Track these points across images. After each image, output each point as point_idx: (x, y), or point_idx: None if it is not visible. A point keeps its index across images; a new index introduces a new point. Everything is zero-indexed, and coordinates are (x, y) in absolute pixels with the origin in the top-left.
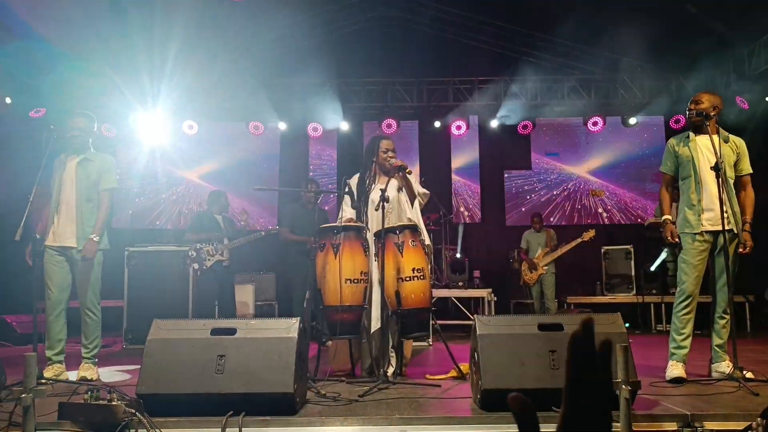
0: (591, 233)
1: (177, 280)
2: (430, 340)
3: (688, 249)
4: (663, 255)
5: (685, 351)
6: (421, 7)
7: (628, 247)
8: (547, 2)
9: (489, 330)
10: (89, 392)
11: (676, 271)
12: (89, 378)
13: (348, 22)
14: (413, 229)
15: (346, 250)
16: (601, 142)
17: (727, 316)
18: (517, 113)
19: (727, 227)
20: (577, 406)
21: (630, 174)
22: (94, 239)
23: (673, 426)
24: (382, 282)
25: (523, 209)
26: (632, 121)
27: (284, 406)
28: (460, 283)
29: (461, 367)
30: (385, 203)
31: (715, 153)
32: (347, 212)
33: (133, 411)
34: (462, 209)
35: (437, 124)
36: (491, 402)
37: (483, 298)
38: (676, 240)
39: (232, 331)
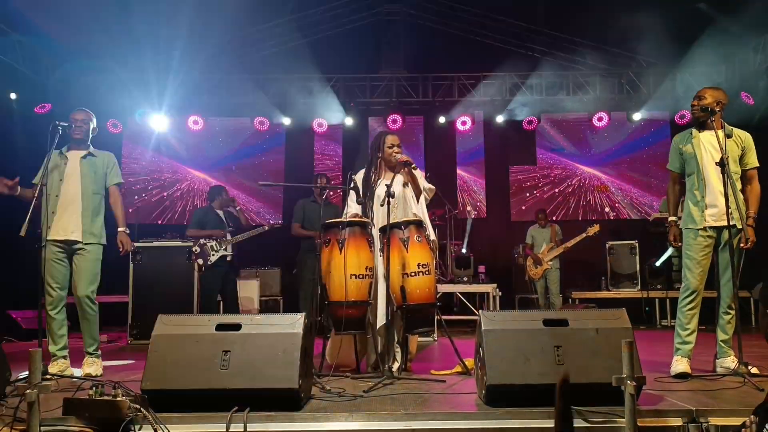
0: (596, 228)
1: (182, 276)
2: (435, 335)
3: (691, 245)
4: (669, 251)
5: (690, 346)
6: (426, 2)
7: (633, 242)
8: None
9: (494, 325)
10: (94, 388)
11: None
12: (94, 374)
13: (354, 17)
14: (418, 224)
15: (351, 246)
16: (606, 137)
17: (732, 312)
18: (523, 109)
19: (731, 223)
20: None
21: (635, 169)
22: (126, 232)
23: (678, 421)
24: (387, 277)
25: (528, 204)
26: (637, 116)
27: (289, 401)
28: (465, 279)
29: (466, 363)
30: (390, 198)
31: (720, 149)
32: (352, 208)
33: (138, 407)
34: (467, 205)
35: (442, 119)
36: (496, 397)
37: (488, 293)
38: (679, 245)
39: (237, 327)
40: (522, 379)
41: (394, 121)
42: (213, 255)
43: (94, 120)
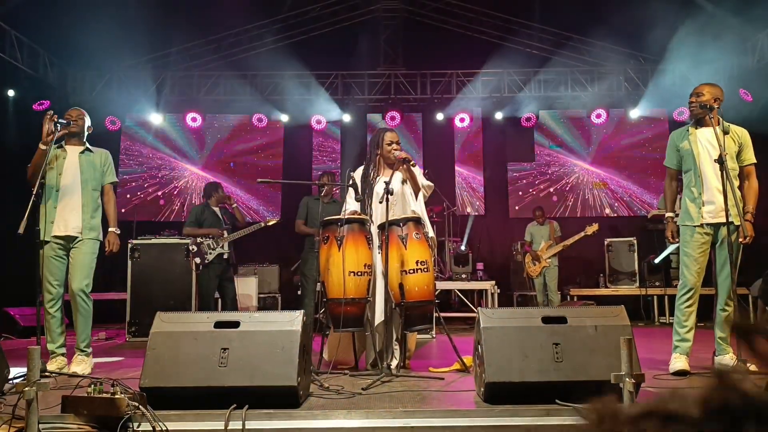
0: (594, 227)
1: (180, 273)
2: (434, 332)
3: (688, 241)
4: (670, 248)
5: (689, 344)
6: None
7: (631, 239)
8: None
9: (493, 323)
10: (92, 385)
11: None
12: (81, 372)
13: (352, 14)
14: (417, 221)
15: (349, 243)
16: (605, 134)
17: (730, 309)
18: (521, 105)
19: (729, 220)
20: None
21: (633, 166)
22: (116, 232)
23: None
24: (385, 275)
25: (527, 201)
26: (635, 113)
27: (288, 399)
28: (464, 276)
29: (465, 360)
30: (389, 195)
31: (719, 146)
32: (351, 205)
33: (137, 404)
34: (465, 201)
35: (441, 116)
36: (495, 395)
37: (486, 290)
38: (676, 241)
39: (235, 324)
40: (521, 376)
41: (393, 118)
42: (210, 253)
43: (88, 119)
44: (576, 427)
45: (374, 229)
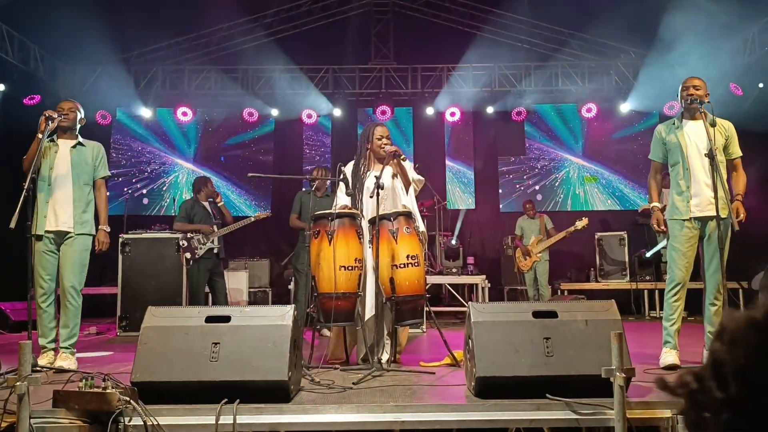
0: (584, 222)
1: (171, 267)
2: (424, 326)
3: (676, 235)
4: (662, 243)
5: (676, 332)
6: None
7: (622, 233)
8: None
9: (483, 317)
10: (84, 380)
11: None
12: (67, 368)
13: (343, 8)
14: (408, 215)
15: (340, 237)
16: (595, 128)
17: (719, 303)
18: (511, 99)
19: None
20: None
21: (624, 160)
22: (107, 230)
23: (667, 413)
24: (376, 269)
25: (517, 195)
26: (626, 107)
27: (279, 393)
28: (454, 270)
29: (455, 354)
30: (379, 190)
31: (709, 140)
32: (342, 199)
33: (128, 399)
34: (456, 196)
35: (431, 110)
36: (486, 389)
37: (477, 284)
38: (663, 228)
39: (226, 319)
40: (511, 370)
41: (383, 112)
42: (200, 248)
43: (82, 111)
44: (567, 421)
45: (365, 224)
